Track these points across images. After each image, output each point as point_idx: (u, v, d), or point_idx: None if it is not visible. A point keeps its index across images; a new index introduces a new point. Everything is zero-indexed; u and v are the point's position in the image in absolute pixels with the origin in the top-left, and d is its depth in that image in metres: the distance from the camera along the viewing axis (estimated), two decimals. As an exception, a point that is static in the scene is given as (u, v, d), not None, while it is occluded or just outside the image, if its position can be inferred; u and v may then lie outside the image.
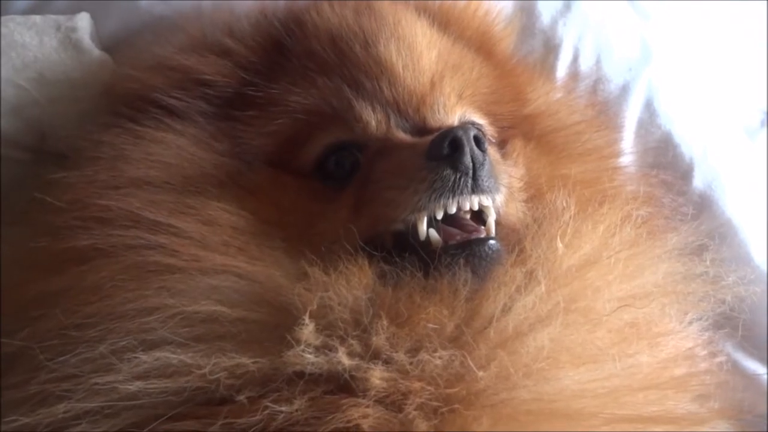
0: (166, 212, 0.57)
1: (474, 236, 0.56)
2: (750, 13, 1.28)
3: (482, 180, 0.56)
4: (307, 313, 0.51)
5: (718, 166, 0.89)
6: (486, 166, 0.57)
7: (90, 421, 0.50)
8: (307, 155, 0.63)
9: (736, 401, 0.68)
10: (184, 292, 0.52)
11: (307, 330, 0.50)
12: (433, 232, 0.56)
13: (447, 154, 0.56)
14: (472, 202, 0.57)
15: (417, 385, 0.49)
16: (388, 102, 0.63)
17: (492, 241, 0.56)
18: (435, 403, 0.49)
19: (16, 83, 0.69)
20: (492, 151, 0.61)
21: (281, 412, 0.47)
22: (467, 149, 0.56)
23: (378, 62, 0.64)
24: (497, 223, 0.59)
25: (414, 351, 0.50)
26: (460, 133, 0.56)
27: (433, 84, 0.64)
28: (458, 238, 0.56)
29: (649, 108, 0.89)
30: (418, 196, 0.56)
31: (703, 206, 0.87)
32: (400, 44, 0.65)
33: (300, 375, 0.50)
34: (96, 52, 0.72)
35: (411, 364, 0.49)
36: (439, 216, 0.56)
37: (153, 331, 0.51)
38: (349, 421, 0.47)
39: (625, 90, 0.88)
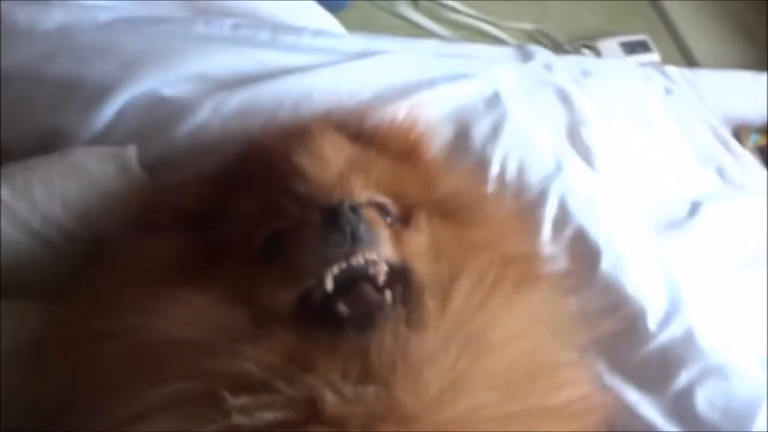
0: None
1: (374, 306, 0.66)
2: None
3: (361, 234, 0.67)
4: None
5: (625, 250, 1.11)
6: (362, 225, 0.68)
7: None
8: (253, 243, 0.79)
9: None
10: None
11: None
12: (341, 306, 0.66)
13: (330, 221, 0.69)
14: (356, 256, 0.67)
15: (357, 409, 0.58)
16: (306, 196, 0.76)
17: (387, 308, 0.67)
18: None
19: (84, 196, 0.93)
20: (371, 213, 0.74)
21: None
22: (344, 214, 0.68)
23: (294, 168, 0.80)
24: (396, 271, 0.71)
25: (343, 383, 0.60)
26: (337, 205, 0.69)
27: (340, 178, 0.78)
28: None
29: (562, 207, 1.13)
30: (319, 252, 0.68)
31: (610, 284, 1.08)
32: (312, 153, 0.82)
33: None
34: (139, 174, 0.99)
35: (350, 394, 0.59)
36: (336, 271, 0.67)
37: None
38: None
39: (541, 195, 1.12)
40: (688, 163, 1.56)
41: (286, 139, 0.88)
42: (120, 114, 1.06)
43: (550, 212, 1.13)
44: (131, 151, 1.00)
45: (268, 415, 0.57)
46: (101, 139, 1.06)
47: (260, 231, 0.78)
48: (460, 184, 0.97)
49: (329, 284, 0.66)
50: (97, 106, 1.05)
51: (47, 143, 1.05)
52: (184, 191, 0.90)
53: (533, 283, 0.85)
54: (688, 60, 2.46)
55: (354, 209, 0.69)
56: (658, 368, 1.03)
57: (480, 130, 1.17)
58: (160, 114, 1.07)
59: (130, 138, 1.04)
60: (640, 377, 1.04)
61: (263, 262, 0.75)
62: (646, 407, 1.02)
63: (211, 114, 1.06)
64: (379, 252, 0.69)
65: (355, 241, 0.67)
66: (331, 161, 0.81)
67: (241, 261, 0.78)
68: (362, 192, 0.79)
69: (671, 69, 1.85)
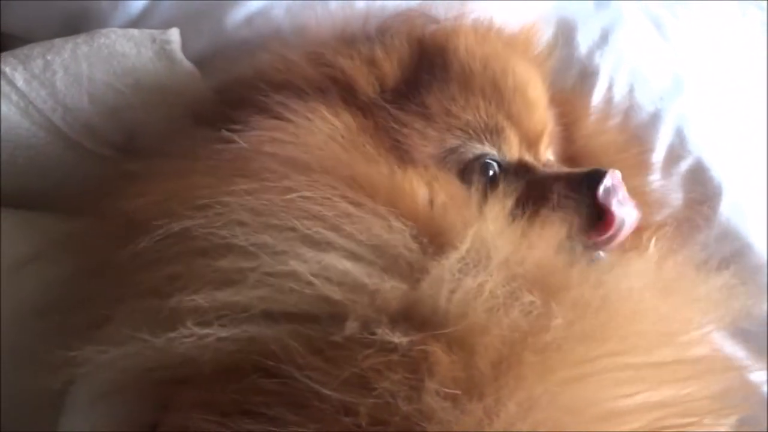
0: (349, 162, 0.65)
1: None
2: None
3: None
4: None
5: (744, 194, 0.94)
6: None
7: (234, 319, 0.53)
8: (458, 158, 0.73)
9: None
10: (379, 214, 0.58)
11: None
12: None
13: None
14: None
15: None
16: (522, 134, 0.76)
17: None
18: None
19: (116, 87, 0.78)
20: None
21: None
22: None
23: (527, 101, 0.77)
24: None
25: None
26: (614, 172, 0.70)
27: (544, 128, 0.79)
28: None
29: (679, 135, 0.95)
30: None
31: (729, 229, 0.93)
32: (524, 95, 0.77)
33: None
34: (187, 63, 0.81)
35: None
36: None
37: (336, 232, 0.55)
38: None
39: (655, 117, 0.95)
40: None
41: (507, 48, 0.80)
42: (161, -7, 0.89)
43: (664, 138, 0.95)
44: (174, 35, 0.83)
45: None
46: (138, 24, 0.89)
47: (469, 150, 0.73)
48: (591, 132, 0.88)
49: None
50: (133, -20, 0.88)
51: (76, 29, 0.89)
52: (354, 67, 0.76)
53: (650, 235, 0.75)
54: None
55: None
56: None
57: (587, 34, 0.97)
58: (210, -6, 0.89)
59: (172, 24, 0.87)
60: (755, 337, 0.89)
61: (463, 180, 0.72)
62: (758, 372, 0.87)
63: (273, -4, 0.88)
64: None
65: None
66: (539, 111, 0.78)
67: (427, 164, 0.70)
68: (547, 149, 0.79)
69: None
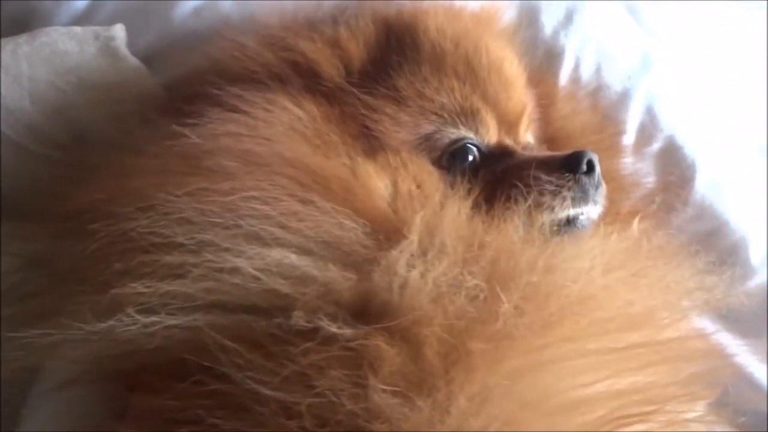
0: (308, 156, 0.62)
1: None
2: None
3: (597, 195, 0.70)
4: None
5: (720, 170, 0.92)
6: (600, 185, 0.70)
7: (181, 308, 0.52)
8: (434, 144, 0.70)
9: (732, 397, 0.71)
10: (330, 210, 0.56)
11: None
12: None
13: (584, 171, 0.69)
14: (589, 212, 0.69)
15: None
16: (500, 116, 0.73)
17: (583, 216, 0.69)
18: None
19: (58, 86, 0.75)
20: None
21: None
22: (598, 168, 0.69)
23: (503, 80, 0.74)
24: None
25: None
26: (594, 156, 0.69)
27: (523, 109, 0.76)
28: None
29: (650, 113, 0.92)
30: (567, 201, 0.67)
31: (704, 206, 0.90)
32: (511, 67, 0.76)
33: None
34: (132, 59, 0.78)
35: None
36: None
37: (282, 228, 0.54)
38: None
39: (625, 96, 0.92)
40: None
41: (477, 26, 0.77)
42: (104, -11, 0.86)
43: (635, 117, 0.92)
44: (119, 31, 0.79)
45: None
46: (83, 21, 0.86)
47: (445, 134, 0.70)
48: (566, 114, 0.87)
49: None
50: (76, -22, 0.85)
51: (22, 29, 0.85)
52: (316, 49, 0.72)
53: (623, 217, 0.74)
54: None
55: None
56: (760, 309, 0.86)
57: (551, 14, 0.95)
58: (153, -13, 0.86)
59: (118, 20, 0.84)
60: (738, 318, 0.86)
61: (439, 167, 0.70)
62: (744, 354, 0.84)
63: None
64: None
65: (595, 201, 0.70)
66: (517, 90, 0.75)
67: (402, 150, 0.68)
68: (527, 131, 0.77)
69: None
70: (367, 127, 0.69)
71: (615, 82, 0.93)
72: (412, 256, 0.53)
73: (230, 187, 0.57)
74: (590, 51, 0.94)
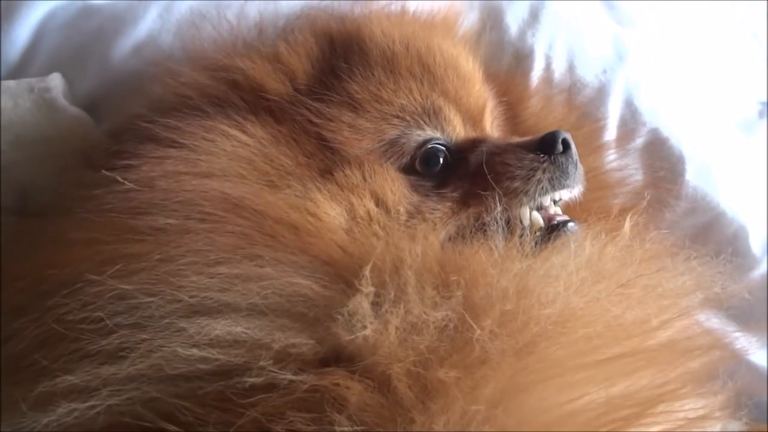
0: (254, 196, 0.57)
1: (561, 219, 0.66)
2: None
3: (576, 174, 0.67)
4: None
5: (710, 158, 0.88)
6: (578, 163, 0.67)
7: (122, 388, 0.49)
8: (401, 150, 0.67)
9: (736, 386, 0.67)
10: (280, 264, 0.52)
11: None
12: (536, 215, 0.66)
13: (560, 151, 0.66)
14: (572, 192, 0.68)
15: None
16: (463, 111, 0.71)
17: (572, 224, 0.66)
18: None
19: None
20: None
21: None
22: (573, 147, 0.67)
23: (461, 76, 0.71)
24: None
25: None
26: (568, 135, 0.67)
27: (485, 102, 0.74)
28: (558, 218, 0.66)
29: (629, 106, 0.88)
30: (543, 183, 0.65)
31: (697, 198, 0.86)
32: (467, 62, 0.74)
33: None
34: (71, 109, 0.73)
35: None
36: (547, 202, 0.66)
37: (227, 294, 0.51)
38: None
39: (601, 91, 0.88)
40: (756, 63, 1.30)
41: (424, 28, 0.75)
42: (38, 34, 0.80)
43: (614, 112, 0.88)
44: (55, 80, 0.74)
45: None
46: (19, 73, 0.80)
47: (411, 137, 0.67)
48: (539, 110, 0.84)
49: (536, 219, 0.66)
50: (6, 26, 0.79)
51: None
52: (257, 67, 0.68)
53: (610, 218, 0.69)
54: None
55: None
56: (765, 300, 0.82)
57: (515, 15, 0.90)
58: (90, 28, 0.80)
59: (55, 67, 0.78)
60: (743, 310, 0.82)
61: (412, 173, 0.67)
62: (745, 344, 0.80)
63: (159, 21, 0.79)
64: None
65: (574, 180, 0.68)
66: (476, 86, 0.73)
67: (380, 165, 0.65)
68: (492, 125, 0.75)
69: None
70: (323, 140, 0.65)
71: (590, 77, 0.89)
72: (373, 303, 0.50)
73: (166, 255, 0.53)
74: (560, 48, 0.89)
